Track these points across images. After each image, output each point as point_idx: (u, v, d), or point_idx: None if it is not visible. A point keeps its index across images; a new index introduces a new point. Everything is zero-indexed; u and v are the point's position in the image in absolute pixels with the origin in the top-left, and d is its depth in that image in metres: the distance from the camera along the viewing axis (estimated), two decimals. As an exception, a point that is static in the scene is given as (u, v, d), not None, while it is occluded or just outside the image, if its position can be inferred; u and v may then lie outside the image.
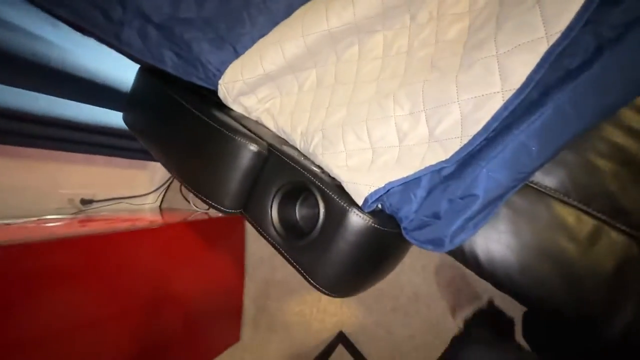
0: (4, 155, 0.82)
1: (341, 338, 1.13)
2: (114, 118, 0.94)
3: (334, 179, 0.50)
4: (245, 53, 0.57)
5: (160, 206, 1.37)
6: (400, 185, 0.44)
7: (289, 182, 0.49)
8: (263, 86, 0.59)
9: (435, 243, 0.43)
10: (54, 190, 1.02)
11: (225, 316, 1.22)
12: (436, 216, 0.42)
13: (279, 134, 0.61)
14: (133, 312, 0.80)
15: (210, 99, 0.61)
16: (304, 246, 0.47)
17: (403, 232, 0.45)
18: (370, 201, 0.43)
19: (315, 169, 0.50)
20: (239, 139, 0.50)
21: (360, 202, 0.44)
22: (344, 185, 0.47)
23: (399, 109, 0.45)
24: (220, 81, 0.57)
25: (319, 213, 0.46)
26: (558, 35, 0.36)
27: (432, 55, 0.48)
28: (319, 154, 0.52)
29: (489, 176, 0.40)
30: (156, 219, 1.15)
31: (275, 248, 0.49)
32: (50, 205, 1.00)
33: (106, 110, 0.91)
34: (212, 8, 0.55)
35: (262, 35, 0.58)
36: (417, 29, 0.52)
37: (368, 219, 0.43)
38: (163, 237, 0.93)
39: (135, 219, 1.05)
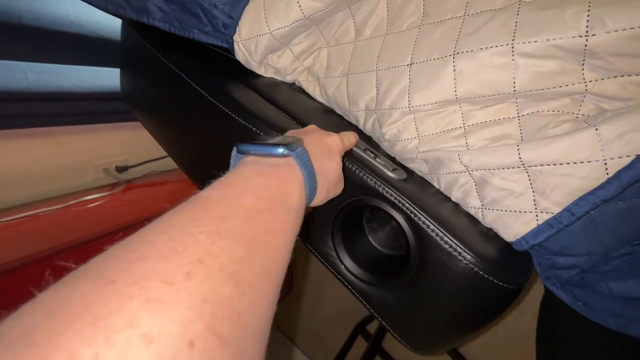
0: (27, 136, 0.74)
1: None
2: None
3: (427, 184, 0.33)
4: (268, -18, 0.35)
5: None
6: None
7: (355, 201, 0.33)
8: (301, 35, 0.38)
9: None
10: (89, 162, 0.97)
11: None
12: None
13: (330, 106, 0.42)
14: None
15: (227, 61, 0.42)
16: (390, 292, 0.33)
17: (561, 290, 0.29)
18: (530, 243, 0.28)
19: (391, 174, 0.32)
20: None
21: (509, 239, 0.29)
22: (479, 210, 0.31)
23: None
24: (235, 37, 0.37)
25: (407, 246, 0.31)
26: None
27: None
28: (403, 144, 0.34)
29: None
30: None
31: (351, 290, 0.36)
32: (88, 179, 0.95)
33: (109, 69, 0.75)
34: None
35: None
36: None
37: (499, 281, 0.27)
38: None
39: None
